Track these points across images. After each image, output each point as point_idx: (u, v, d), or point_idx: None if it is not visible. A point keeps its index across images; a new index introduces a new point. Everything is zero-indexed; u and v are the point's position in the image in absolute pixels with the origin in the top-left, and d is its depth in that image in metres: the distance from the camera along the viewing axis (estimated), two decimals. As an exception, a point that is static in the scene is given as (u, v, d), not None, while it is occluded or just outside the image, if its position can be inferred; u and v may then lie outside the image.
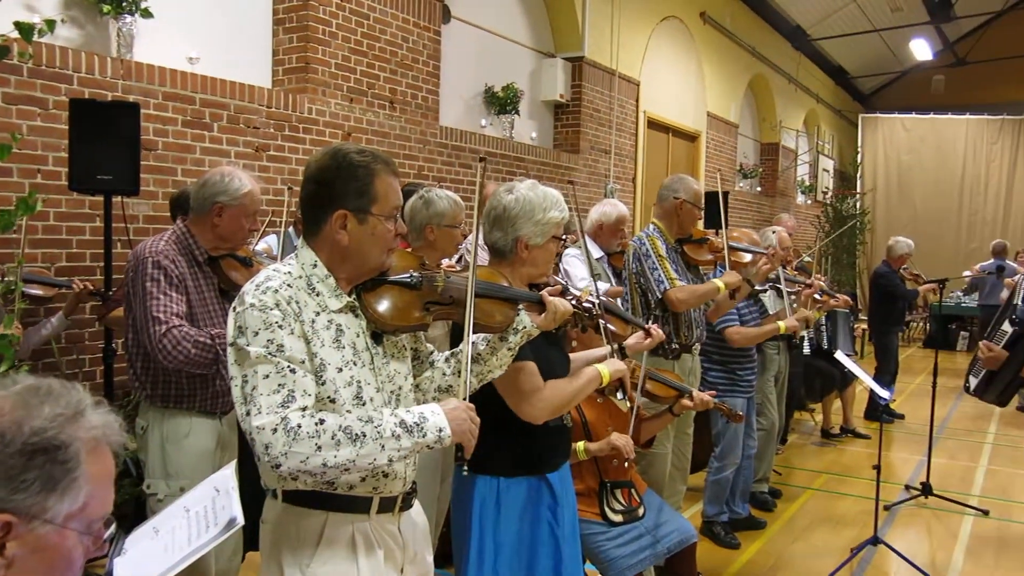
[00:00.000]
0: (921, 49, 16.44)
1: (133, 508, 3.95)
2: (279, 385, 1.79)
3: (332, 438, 1.77)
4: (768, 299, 5.33)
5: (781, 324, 4.72)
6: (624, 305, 4.28)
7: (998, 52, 17.27)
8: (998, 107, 16.73)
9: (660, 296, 4.10)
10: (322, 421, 1.78)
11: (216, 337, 2.90)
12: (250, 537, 3.39)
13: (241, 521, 1.87)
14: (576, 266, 4.84)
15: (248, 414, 1.79)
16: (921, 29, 16.02)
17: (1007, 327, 3.97)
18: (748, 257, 4.46)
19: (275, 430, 1.75)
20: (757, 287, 4.82)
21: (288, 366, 1.80)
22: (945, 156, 16.22)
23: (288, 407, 1.78)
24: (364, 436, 1.79)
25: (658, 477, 4.22)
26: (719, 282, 4.15)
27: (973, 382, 4.23)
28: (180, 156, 4.97)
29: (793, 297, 5.35)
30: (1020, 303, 3.96)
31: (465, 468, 2.05)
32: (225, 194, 3.02)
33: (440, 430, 1.88)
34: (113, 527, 1.23)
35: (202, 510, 1.98)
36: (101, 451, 1.19)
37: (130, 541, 2.04)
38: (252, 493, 2.11)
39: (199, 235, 3.06)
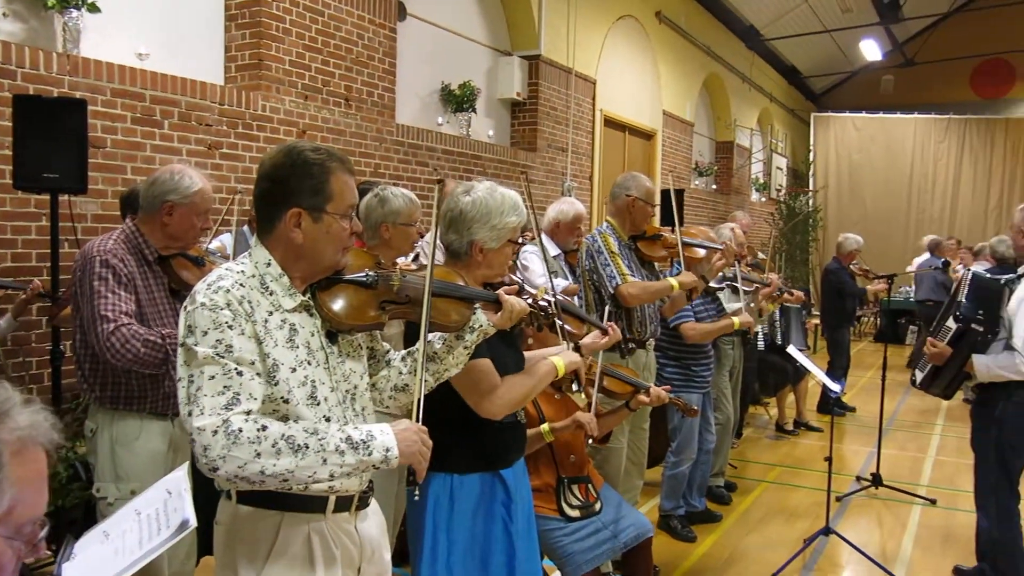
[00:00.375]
0: (871, 49, 16.74)
1: (83, 512, 3.88)
2: (224, 387, 1.76)
3: (273, 446, 1.74)
4: (724, 297, 5.39)
5: (735, 320, 4.78)
6: (579, 302, 4.30)
7: (945, 53, 17.68)
8: (945, 107, 17.12)
9: (612, 291, 4.14)
10: (264, 428, 1.75)
11: (167, 336, 2.85)
12: (204, 540, 3.35)
13: (194, 523, 1.84)
14: (534, 263, 4.85)
15: (191, 414, 1.76)
16: (871, 30, 16.31)
17: (951, 323, 4.05)
18: (702, 253, 4.51)
19: (215, 432, 1.72)
20: (713, 284, 4.87)
21: (235, 368, 1.78)
22: (894, 155, 16.55)
23: (232, 409, 1.75)
24: (307, 448, 1.76)
25: (614, 472, 4.25)
26: (673, 281, 4.20)
27: (919, 376, 4.31)
28: (130, 154, 4.88)
29: (750, 296, 5.41)
30: (964, 300, 4.03)
31: (416, 494, 2.05)
32: (175, 192, 2.97)
33: (387, 450, 1.85)
34: (46, 529, 1.20)
35: (154, 513, 1.95)
36: (28, 452, 1.14)
37: (79, 546, 1.99)
38: (206, 495, 2.09)
39: (149, 234, 3.01)
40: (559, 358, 2.67)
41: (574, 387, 2.82)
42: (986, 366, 3.90)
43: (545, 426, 3.24)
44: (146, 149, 4.96)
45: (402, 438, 1.88)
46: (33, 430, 1.15)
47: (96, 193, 4.66)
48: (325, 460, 1.78)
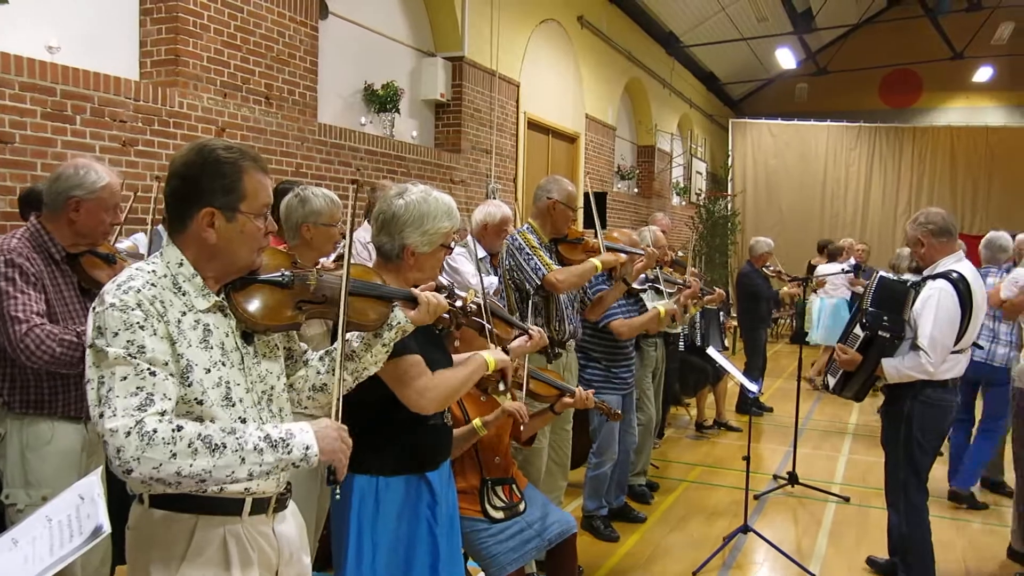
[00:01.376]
0: (786, 58, 17.21)
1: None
2: (137, 388, 1.72)
3: (189, 446, 1.70)
4: (647, 298, 5.47)
5: (660, 308, 4.81)
6: (500, 303, 4.31)
7: (855, 63, 18.34)
8: (856, 115, 17.72)
9: (539, 282, 4.14)
10: (180, 428, 1.71)
11: (82, 335, 2.76)
12: (119, 548, 3.25)
13: (108, 529, 1.78)
14: (464, 263, 4.85)
15: (102, 416, 1.71)
16: (785, 39, 16.78)
17: (859, 331, 4.15)
18: (624, 256, 4.55)
19: (128, 433, 1.67)
20: (636, 286, 4.94)
21: (148, 368, 1.73)
22: (808, 161, 17.03)
23: (145, 410, 1.70)
24: (224, 447, 1.74)
25: (536, 473, 4.27)
26: (596, 261, 4.23)
27: (831, 381, 4.42)
28: (40, 150, 4.70)
29: (673, 297, 5.50)
30: (869, 307, 4.15)
31: (337, 493, 2.03)
32: (81, 188, 2.88)
33: (307, 448, 1.83)
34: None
35: (65, 519, 1.88)
36: None
37: (-15, 555, 1.92)
38: (120, 501, 2.03)
39: (55, 232, 2.91)
40: (489, 354, 2.68)
41: (500, 387, 2.82)
42: (895, 368, 4.02)
43: (477, 420, 3.23)
44: (57, 145, 4.79)
45: (322, 436, 1.86)
46: None
47: (4, 190, 4.48)
48: (243, 459, 1.75)
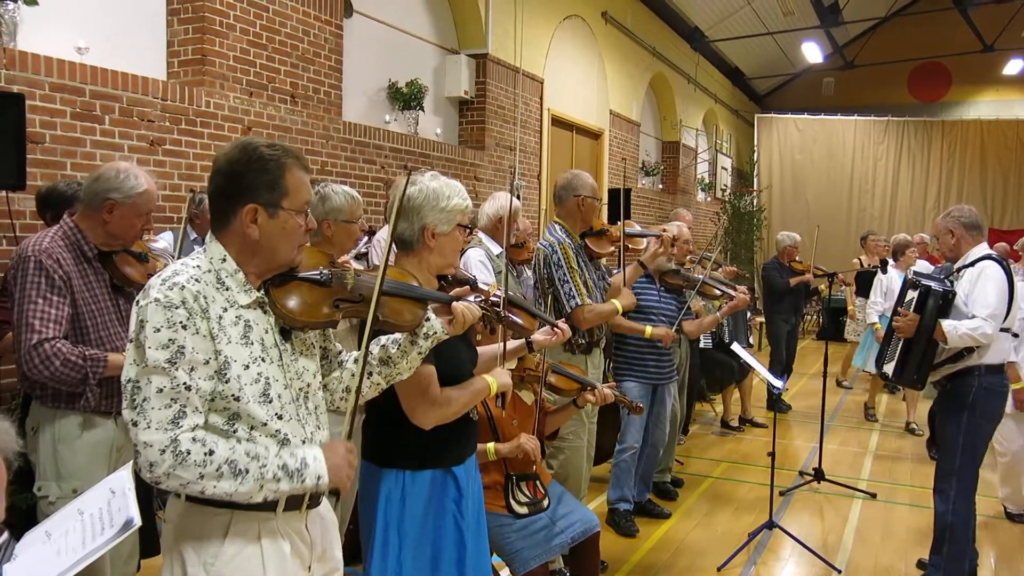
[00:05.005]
0: (812, 52, 17.07)
1: (22, 513, 3.79)
2: (172, 399, 1.77)
3: (217, 470, 1.79)
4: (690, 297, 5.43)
5: (648, 329, 4.83)
6: (536, 304, 4.34)
7: (883, 56, 18.12)
8: (884, 108, 17.54)
9: (568, 311, 4.20)
10: (211, 452, 1.78)
11: (88, 358, 2.80)
12: (146, 542, 3.30)
13: (138, 522, 1.82)
14: (482, 271, 4.84)
15: (136, 425, 1.77)
16: (812, 33, 16.64)
17: (911, 294, 4.19)
18: (644, 243, 4.61)
19: (163, 451, 1.75)
20: (679, 279, 4.99)
21: (184, 383, 1.78)
22: (835, 155, 16.90)
23: (179, 425, 1.76)
24: (247, 473, 1.82)
25: (574, 471, 4.29)
26: (617, 304, 4.28)
27: (890, 367, 4.37)
28: (69, 149, 4.77)
29: (719, 301, 5.48)
30: (913, 274, 4.23)
31: (335, 502, 2.09)
32: (119, 192, 2.92)
33: (319, 478, 1.94)
34: (6, 534, 1.18)
35: (97, 512, 1.92)
36: None
37: (21, 546, 1.95)
38: (146, 495, 2.06)
39: (88, 230, 2.96)
40: (492, 377, 2.71)
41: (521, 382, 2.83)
42: (953, 327, 4.00)
43: (491, 446, 3.26)
44: (86, 145, 4.86)
45: (331, 465, 1.96)
46: None
47: (34, 189, 4.53)
48: (262, 487, 1.85)
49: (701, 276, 5.30)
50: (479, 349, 2.94)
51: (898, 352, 4.30)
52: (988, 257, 4.13)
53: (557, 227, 4.40)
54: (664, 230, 4.75)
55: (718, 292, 5.41)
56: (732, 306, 5.45)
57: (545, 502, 3.44)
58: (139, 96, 5.18)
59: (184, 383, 1.77)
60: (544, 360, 3.53)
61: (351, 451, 2.01)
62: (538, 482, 3.47)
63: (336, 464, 1.96)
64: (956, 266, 4.24)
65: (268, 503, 1.92)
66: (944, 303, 4.08)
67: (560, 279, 4.23)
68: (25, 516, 3.45)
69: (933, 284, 4.13)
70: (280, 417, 1.92)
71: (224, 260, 1.92)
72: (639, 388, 4.90)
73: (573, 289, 4.21)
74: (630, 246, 4.54)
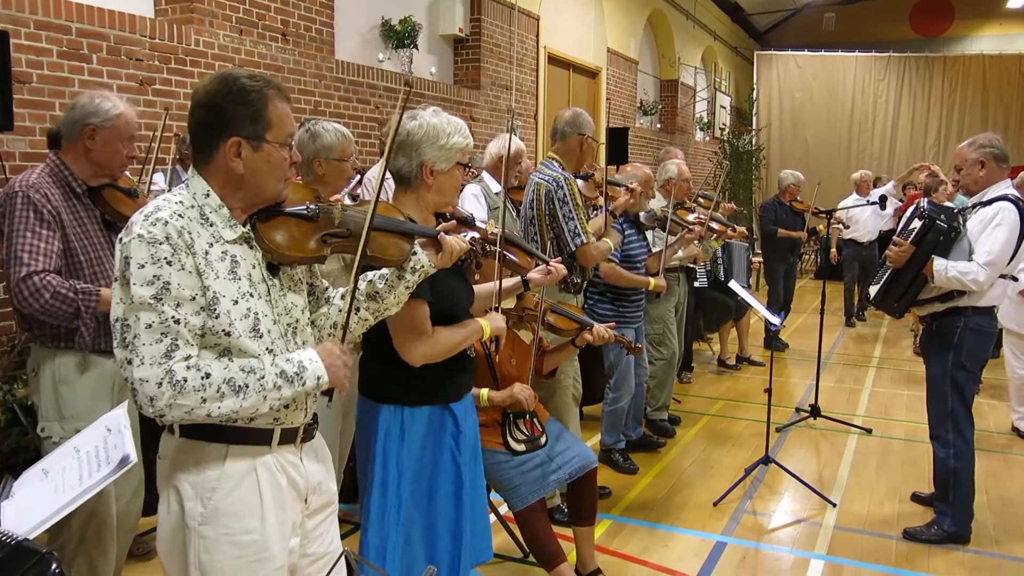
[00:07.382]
0: (813, -14, 16.78)
1: (26, 456, 3.82)
2: (161, 334, 1.75)
3: (217, 391, 1.78)
4: (650, 236, 5.36)
5: (652, 281, 4.83)
6: (533, 242, 4.29)
7: (885, -10, 17.79)
8: (885, 44, 17.29)
9: (573, 249, 4.15)
10: (208, 375, 1.77)
11: (80, 291, 2.75)
12: (152, 479, 3.32)
13: (135, 458, 1.82)
14: (475, 205, 4.82)
15: (130, 363, 1.75)
16: (813, -34, 16.33)
17: (916, 223, 4.07)
18: (621, 191, 4.57)
19: (160, 384, 1.73)
20: (643, 220, 4.93)
21: (172, 316, 1.75)
22: (835, 93, 16.70)
23: (172, 357, 1.75)
24: (247, 387, 1.81)
25: (560, 405, 4.29)
26: (610, 242, 4.33)
27: (874, 290, 4.33)
28: (57, 89, 4.69)
29: (675, 238, 5.34)
30: (925, 205, 4.09)
31: (328, 402, 2.09)
32: (96, 115, 2.88)
33: (319, 378, 1.93)
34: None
35: (93, 450, 1.93)
36: None
37: (18, 484, 1.97)
38: (153, 434, 2.06)
39: (73, 164, 2.91)
40: (486, 321, 2.71)
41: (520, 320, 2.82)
42: (945, 268, 3.91)
43: (484, 393, 3.26)
44: (74, 84, 4.78)
45: (328, 364, 1.95)
46: None
47: (24, 130, 4.49)
48: (265, 397, 1.84)
49: (667, 214, 5.18)
50: (476, 288, 2.93)
51: (884, 278, 4.25)
52: (1006, 198, 3.96)
53: (555, 163, 4.33)
54: (632, 183, 4.69)
55: (682, 228, 5.34)
56: (688, 238, 5.31)
57: (543, 439, 3.46)
58: (127, 34, 5.07)
59: (172, 317, 1.76)
60: (543, 299, 3.53)
61: (344, 351, 2.01)
62: (535, 419, 3.49)
63: (333, 364, 1.96)
64: (971, 201, 4.13)
65: (263, 434, 1.93)
66: (945, 240, 3.97)
67: (566, 216, 4.16)
68: (34, 459, 3.49)
69: (940, 219, 3.99)
70: (270, 352, 1.91)
71: (208, 195, 1.88)
72: (631, 332, 4.88)
73: (579, 227, 4.16)
74: (610, 193, 4.50)
